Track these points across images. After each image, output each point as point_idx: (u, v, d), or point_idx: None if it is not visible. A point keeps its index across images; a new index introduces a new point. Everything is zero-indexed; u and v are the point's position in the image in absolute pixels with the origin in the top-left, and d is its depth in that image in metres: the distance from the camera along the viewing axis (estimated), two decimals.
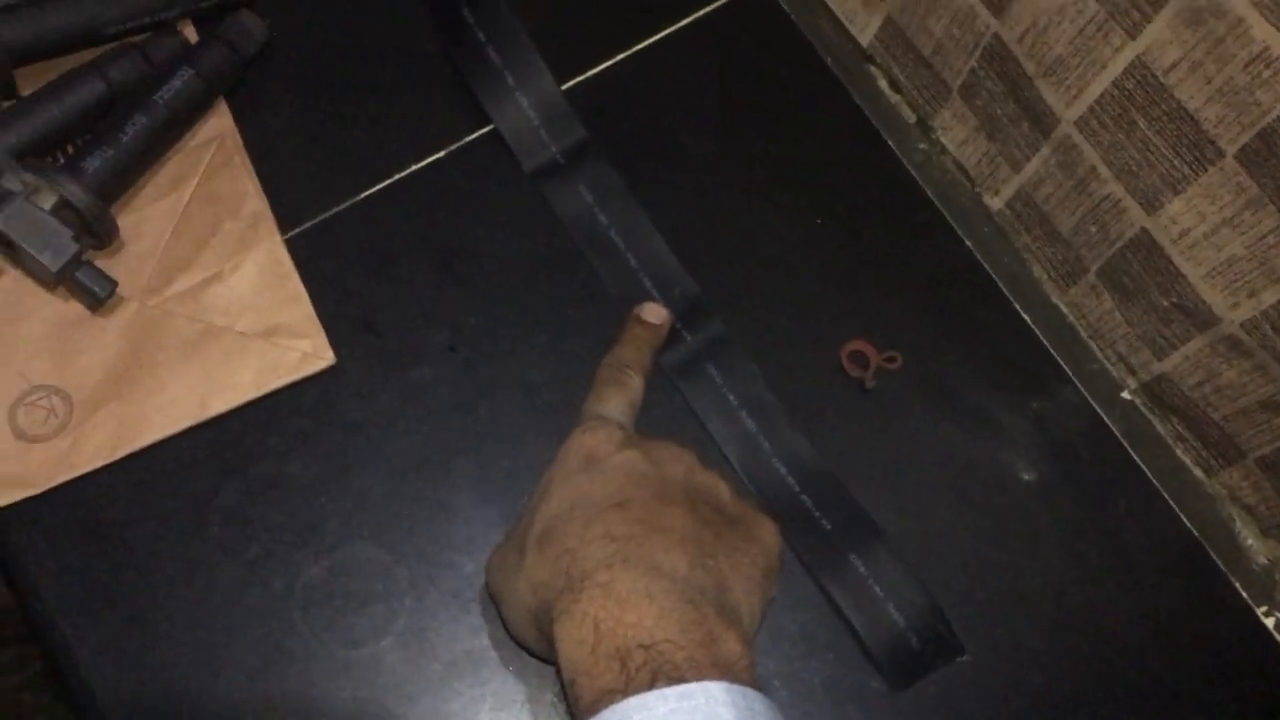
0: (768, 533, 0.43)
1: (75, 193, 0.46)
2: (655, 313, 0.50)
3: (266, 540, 0.47)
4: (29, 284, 0.49)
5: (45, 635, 0.46)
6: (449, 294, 0.52)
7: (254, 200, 0.51)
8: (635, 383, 0.48)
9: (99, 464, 0.47)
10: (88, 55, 0.51)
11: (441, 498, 0.48)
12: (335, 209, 0.52)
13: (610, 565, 0.38)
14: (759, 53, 0.58)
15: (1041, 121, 0.47)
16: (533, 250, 0.53)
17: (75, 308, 0.49)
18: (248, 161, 0.51)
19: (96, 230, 0.48)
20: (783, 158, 0.56)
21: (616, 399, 0.47)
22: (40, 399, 0.47)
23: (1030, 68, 0.46)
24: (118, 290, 0.48)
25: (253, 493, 0.48)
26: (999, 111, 0.49)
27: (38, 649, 0.74)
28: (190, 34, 0.53)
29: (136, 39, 0.51)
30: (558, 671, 0.39)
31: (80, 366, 0.48)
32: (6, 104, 0.49)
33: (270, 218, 0.51)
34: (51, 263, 0.46)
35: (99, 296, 0.47)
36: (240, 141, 0.52)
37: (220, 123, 0.52)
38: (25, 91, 0.50)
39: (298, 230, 0.51)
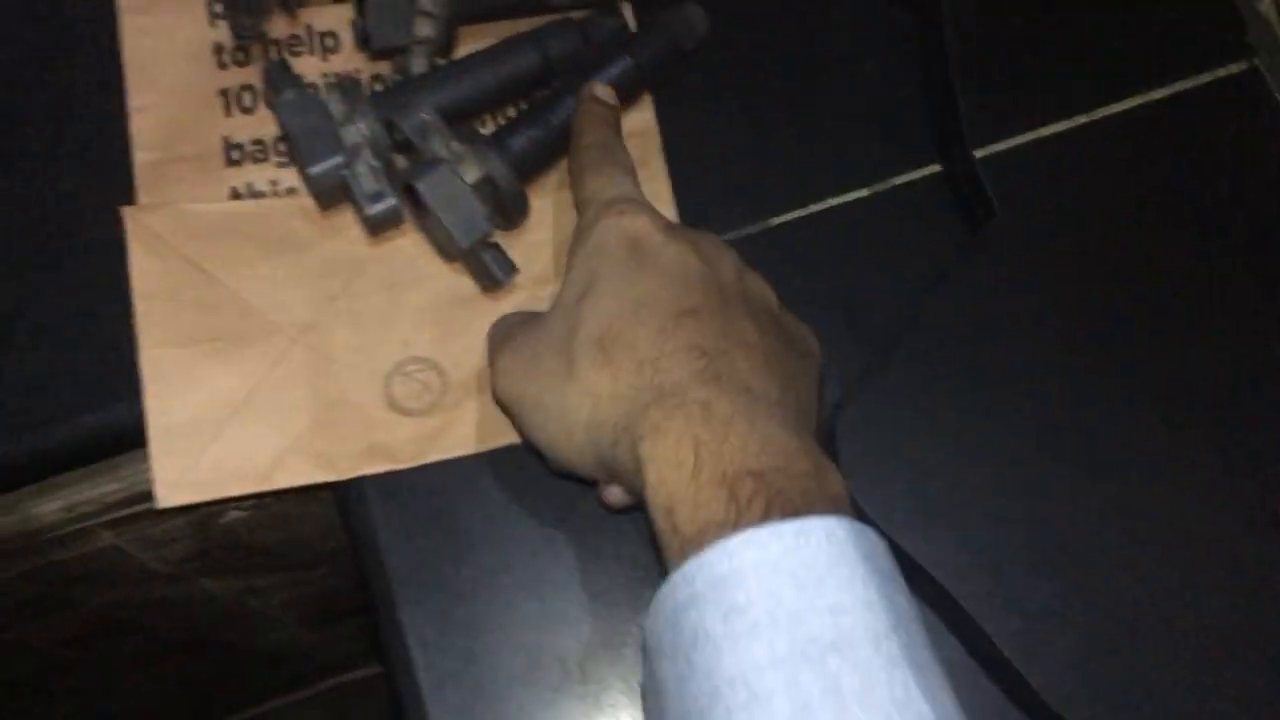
0: (815, 343, 0.43)
1: (501, 171, 0.44)
2: (605, 90, 0.46)
3: (614, 572, 0.44)
4: (427, 251, 0.47)
5: (381, 614, 0.44)
6: (842, 349, 0.47)
7: (664, 206, 0.48)
8: (629, 157, 0.44)
9: (465, 452, 0.45)
10: (519, 25, 0.48)
11: None
12: (742, 230, 0.48)
13: (705, 381, 0.35)
14: (1231, 141, 0.50)
15: None
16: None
17: (467, 285, 0.47)
18: (664, 164, 0.48)
19: (509, 211, 0.45)
20: (1236, 267, 0.49)
21: (623, 175, 0.43)
22: (418, 371, 0.46)
23: None
24: None
25: (607, 517, 0.45)
26: None
27: (303, 577, 0.76)
28: (627, 17, 0.50)
29: (577, 15, 0.49)
30: (640, 505, 0.35)
31: (461, 347, 0.46)
32: (442, 63, 0.47)
33: None
34: (462, 238, 0.44)
35: (497, 279, 0.45)
36: (659, 141, 0.49)
37: (642, 117, 0.49)
38: (460, 53, 0.48)
39: None
